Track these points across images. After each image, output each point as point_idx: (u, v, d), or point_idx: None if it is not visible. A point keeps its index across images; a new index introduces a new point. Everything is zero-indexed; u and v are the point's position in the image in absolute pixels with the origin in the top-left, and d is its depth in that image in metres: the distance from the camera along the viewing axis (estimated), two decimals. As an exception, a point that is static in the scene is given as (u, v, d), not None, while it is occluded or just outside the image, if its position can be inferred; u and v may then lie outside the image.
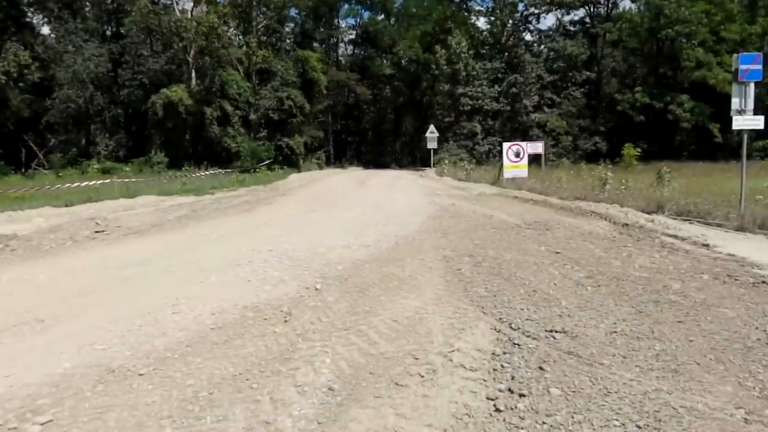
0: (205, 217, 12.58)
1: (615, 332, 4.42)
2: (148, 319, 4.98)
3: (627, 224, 9.67)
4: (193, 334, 4.60)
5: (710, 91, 33.53)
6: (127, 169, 29.17)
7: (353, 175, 32.20)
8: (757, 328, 4.50)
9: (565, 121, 37.94)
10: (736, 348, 4.08)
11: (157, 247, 8.83)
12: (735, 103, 10.04)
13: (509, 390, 3.48)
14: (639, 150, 25.36)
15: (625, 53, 41.49)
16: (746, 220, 9.24)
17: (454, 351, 4.10)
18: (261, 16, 38.79)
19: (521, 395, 3.40)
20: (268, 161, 32.47)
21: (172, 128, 33.54)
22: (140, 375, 3.80)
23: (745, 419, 3.10)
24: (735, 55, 10.11)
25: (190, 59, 34.70)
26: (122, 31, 38.44)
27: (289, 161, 34.96)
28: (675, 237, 8.53)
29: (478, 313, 4.96)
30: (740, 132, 10.34)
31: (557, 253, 7.53)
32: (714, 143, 34.39)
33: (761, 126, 10.21)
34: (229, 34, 37.39)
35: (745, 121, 10.02)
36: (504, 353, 4.06)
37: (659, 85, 36.68)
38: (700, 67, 33.61)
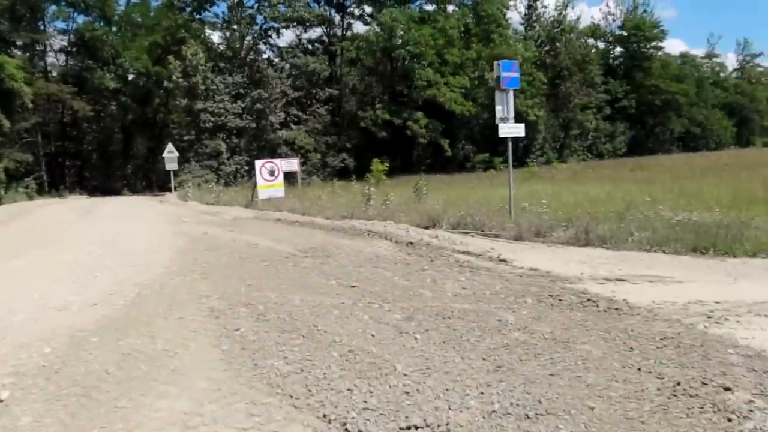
0: None
1: (494, 412, 3.04)
2: None
3: (412, 243, 8.74)
4: None
5: (439, 108, 36.40)
6: None
7: (75, 205, 26.74)
8: (640, 369, 3.55)
9: (313, 138, 37.63)
10: (656, 412, 3.00)
11: None
12: (499, 110, 9.93)
13: None
14: (386, 165, 25.85)
15: (362, 71, 43.05)
16: (522, 229, 9.03)
17: None
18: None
19: None
20: (-45, 192, 25.56)
21: None
22: None
23: None
24: (496, 62, 10.01)
25: None
26: None
27: (-15, 192, 28.15)
28: (468, 253, 7.79)
29: (288, 409, 3.19)
30: (505, 139, 10.27)
31: (353, 287, 6.10)
32: (445, 157, 37.37)
33: (522, 133, 10.29)
34: None
35: (510, 129, 9.96)
36: (355, 497, 2.38)
37: (396, 102, 38.69)
38: (431, 86, 36.24)
